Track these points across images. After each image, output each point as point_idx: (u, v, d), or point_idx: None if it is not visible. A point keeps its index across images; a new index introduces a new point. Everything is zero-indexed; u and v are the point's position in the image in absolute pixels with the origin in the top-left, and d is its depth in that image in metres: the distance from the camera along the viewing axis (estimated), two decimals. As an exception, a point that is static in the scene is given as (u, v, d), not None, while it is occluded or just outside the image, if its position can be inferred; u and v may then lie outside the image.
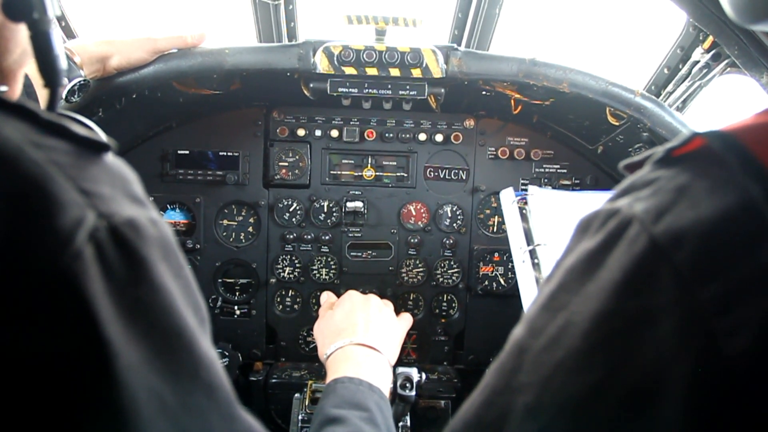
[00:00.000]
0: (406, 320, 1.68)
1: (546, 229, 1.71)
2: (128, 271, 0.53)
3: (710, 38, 1.71)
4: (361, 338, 1.44)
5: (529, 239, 1.72)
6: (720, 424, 0.50)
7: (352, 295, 1.66)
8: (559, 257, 0.65)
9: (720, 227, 0.51)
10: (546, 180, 2.10)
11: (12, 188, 0.49)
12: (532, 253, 1.68)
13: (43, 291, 0.48)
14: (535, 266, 1.67)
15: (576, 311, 0.57)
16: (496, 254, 2.12)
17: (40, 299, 0.48)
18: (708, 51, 1.74)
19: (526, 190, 1.84)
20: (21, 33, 0.65)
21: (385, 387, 1.33)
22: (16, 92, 0.69)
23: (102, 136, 0.60)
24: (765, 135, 0.54)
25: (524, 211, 1.79)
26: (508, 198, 1.83)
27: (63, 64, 0.66)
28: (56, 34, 0.65)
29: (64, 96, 1.49)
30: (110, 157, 0.60)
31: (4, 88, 0.66)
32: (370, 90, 1.72)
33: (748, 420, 0.49)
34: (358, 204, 2.06)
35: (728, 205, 0.51)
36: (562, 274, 0.62)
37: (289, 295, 2.15)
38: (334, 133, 2.06)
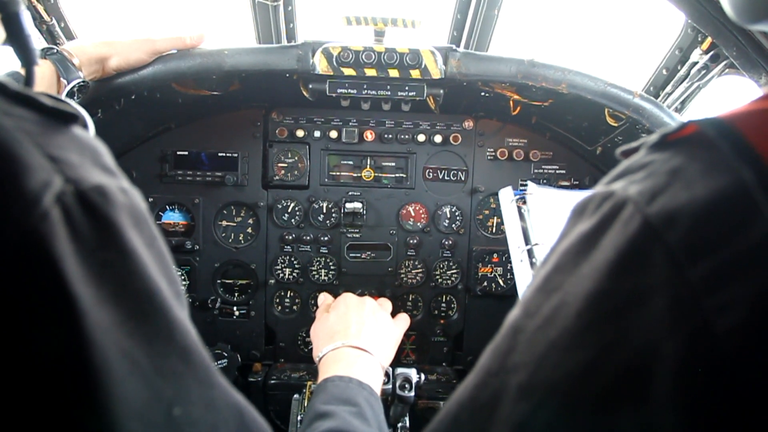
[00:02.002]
0: (403, 322, 1.67)
1: (544, 228, 1.71)
2: (96, 234, 0.54)
3: (709, 39, 1.71)
4: (354, 341, 1.44)
5: (527, 238, 1.72)
6: (710, 401, 0.50)
7: (347, 298, 1.65)
8: (555, 241, 0.65)
9: (712, 208, 0.51)
10: (545, 181, 2.10)
11: None
12: (530, 253, 1.69)
13: (10, 249, 0.49)
14: (533, 265, 1.67)
15: (570, 291, 0.58)
16: (495, 255, 2.13)
17: (8, 257, 0.49)
18: (706, 52, 1.74)
19: (525, 187, 1.84)
20: None
21: (376, 386, 1.33)
22: None
23: (74, 106, 0.61)
24: (757, 120, 0.56)
25: (523, 211, 1.79)
26: (506, 197, 1.83)
27: (36, 43, 0.68)
28: (26, 14, 0.67)
29: (63, 97, 1.49)
30: (79, 129, 0.61)
31: None
32: (368, 91, 1.72)
33: (738, 397, 0.49)
34: (357, 205, 2.06)
35: (720, 187, 0.52)
36: (557, 256, 0.62)
37: (288, 296, 2.15)
38: (333, 134, 2.06)
